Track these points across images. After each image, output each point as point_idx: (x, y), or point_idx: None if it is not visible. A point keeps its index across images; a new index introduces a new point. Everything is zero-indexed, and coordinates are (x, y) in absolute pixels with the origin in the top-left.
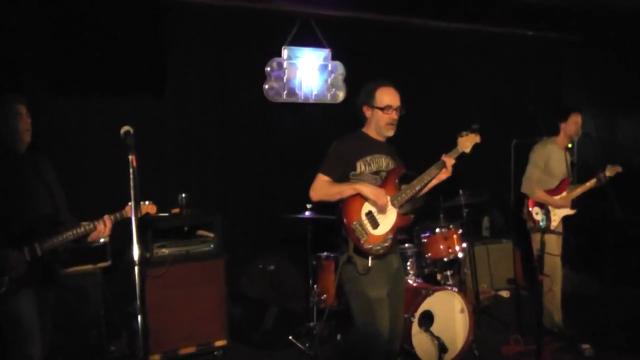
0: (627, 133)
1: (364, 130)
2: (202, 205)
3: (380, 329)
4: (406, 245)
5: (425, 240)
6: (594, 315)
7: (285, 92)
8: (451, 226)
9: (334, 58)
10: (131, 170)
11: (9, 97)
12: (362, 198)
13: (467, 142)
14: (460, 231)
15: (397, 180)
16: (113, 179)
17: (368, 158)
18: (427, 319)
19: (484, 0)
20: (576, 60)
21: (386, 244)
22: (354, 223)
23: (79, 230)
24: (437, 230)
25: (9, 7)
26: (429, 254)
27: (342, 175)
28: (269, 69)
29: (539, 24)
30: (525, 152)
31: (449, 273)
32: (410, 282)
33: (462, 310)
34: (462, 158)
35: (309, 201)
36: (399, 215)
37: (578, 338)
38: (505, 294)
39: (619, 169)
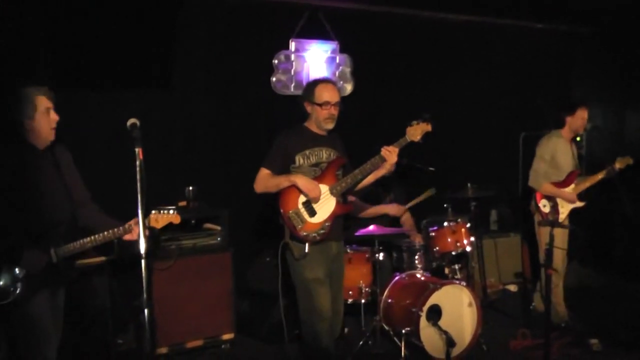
0: (636, 127)
1: (306, 124)
2: (209, 198)
3: (319, 306)
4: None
5: (433, 233)
6: (602, 310)
7: (292, 85)
8: (459, 220)
9: (341, 51)
10: (138, 163)
11: (37, 91)
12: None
13: (416, 131)
14: (468, 225)
15: (337, 171)
16: (119, 173)
17: (307, 151)
18: (435, 313)
19: None
20: (586, 53)
21: (323, 231)
22: (290, 212)
23: (97, 238)
24: (445, 223)
25: (15, 0)
26: (437, 248)
27: (282, 168)
28: (276, 61)
29: (548, 16)
30: (534, 145)
31: (456, 267)
32: (418, 275)
33: (470, 304)
34: (469, 152)
35: None
36: (338, 203)
37: (586, 333)
38: (513, 288)
39: (630, 160)
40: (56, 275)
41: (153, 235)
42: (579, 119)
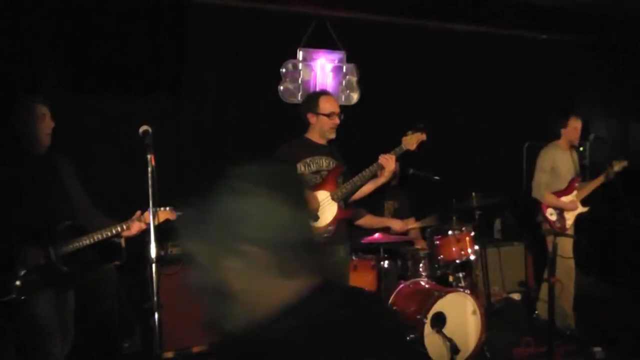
0: (639, 137)
1: (306, 135)
2: None
3: None
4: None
5: (438, 242)
6: (605, 318)
7: (300, 94)
8: (463, 228)
9: (348, 60)
10: (149, 169)
11: (32, 98)
12: None
13: (412, 140)
14: (472, 233)
15: (337, 178)
16: (130, 178)
17: (308, 160)
18: (439, 320)
19: (497, 4)
20: (589, 63)
21: (327, 235)
22: None
23: (96, 237)
24: (450, 232)
25: (27, 6)
26: (441, 256)
27: None
28: (284, 70)
29: (552, 26)
30: (537, 155)
31: (460, 275)
32: (423, 283)
33: (474, 312)
34: (474, 161)
35: None
36: (339, 208)
37: (589, 340)
38: (516, 296)
39: (625, 163)
40: (57, 272)
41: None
42: (572, 129)
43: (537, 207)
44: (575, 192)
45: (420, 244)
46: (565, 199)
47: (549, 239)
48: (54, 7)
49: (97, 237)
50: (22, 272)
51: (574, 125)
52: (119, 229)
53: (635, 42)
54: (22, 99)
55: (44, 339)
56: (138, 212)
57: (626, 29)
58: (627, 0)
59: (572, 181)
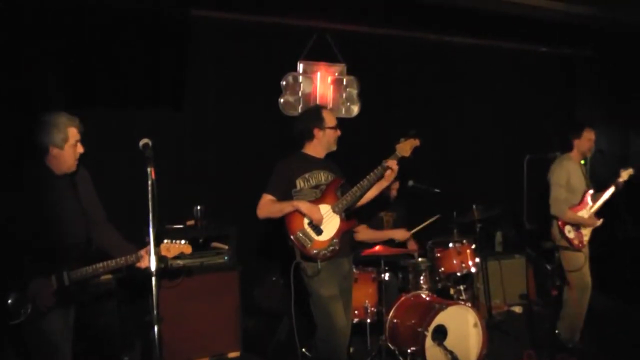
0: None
1: (304, 150)
2: (218, 217)
3: (338, 322)
4: (420, 259)
5: (439, 254)
6: (606, 332)
7: (300, 106)
8: (464, 241)
9: (349, 72)
10: (150, 182)
11: (69, 122)
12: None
13: (405, 147)
14: (473, 246)
15: (336, 191)
16: (130, 191)
17: (307, 175)
18: (441, 333)
19: (498, 17)
20: (589, 76)
21: (332, 247)
22: (297, 233)
23: (110, 264)
24: (451, 245)
25: (31, 20)
26: (443, 269)
27: (284, 193)
28: (284, 82)
29: (552, 39)
30: (538, 167)
31: (462, 288)
32: (424, 296)
33: (475, 325)
34: (474, 174)
35: None
36: (342, 220)
37: (592, 354)
38: (518, 309)
39: (631, 171)
40: (68, 296)
41: (163, 261)
42: (586, 140)
43: (551, 222)
44: (589, 206)
45: (412, 246)
46: (582, 213)
47: (568, 255)
48: (57, 23)
49: (112, 265)
50: (35, 298)
51: (588, 137)
52: (133, 259)
53: (635, 55)
54: (59, 120)
55: (55, 357)
56: None
57: (625, 42)
58: (626, 13)
59: (584, 194)
